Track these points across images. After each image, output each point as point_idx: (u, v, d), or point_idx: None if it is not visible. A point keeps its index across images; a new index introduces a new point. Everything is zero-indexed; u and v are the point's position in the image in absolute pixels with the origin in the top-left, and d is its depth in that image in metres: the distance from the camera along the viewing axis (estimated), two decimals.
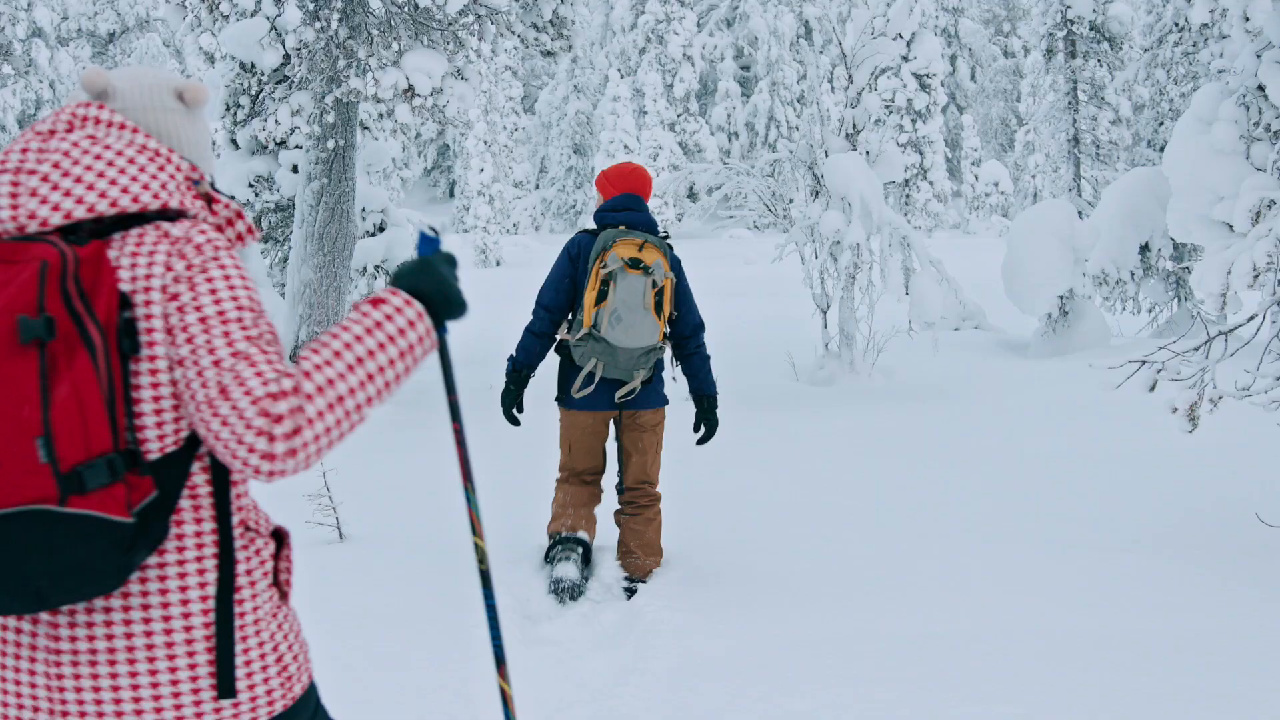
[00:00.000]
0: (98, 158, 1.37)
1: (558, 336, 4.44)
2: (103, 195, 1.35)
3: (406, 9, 7.89)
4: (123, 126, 1.43)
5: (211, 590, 1.43)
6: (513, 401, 4.42)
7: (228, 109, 11.42)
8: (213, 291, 1.37)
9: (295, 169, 11.37)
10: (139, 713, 1.39)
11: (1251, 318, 4.89)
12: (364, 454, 6.25)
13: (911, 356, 10.17)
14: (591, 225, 4.54)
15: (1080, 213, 13.77)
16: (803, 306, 11.03)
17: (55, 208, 1.34)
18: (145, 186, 1.38)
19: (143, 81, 1.49)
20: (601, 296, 4.25)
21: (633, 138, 40.75)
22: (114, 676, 1.38)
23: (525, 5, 8.81)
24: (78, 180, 1.34)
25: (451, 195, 50.69)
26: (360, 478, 5.75)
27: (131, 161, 1.38)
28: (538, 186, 48.44)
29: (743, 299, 17.81)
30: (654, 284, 4.28)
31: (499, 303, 11.23)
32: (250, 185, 12.07)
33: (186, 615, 1.41)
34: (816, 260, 9.23)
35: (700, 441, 4.61)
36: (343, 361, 1.37)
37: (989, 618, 4.03)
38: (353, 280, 12.04)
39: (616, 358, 4.26)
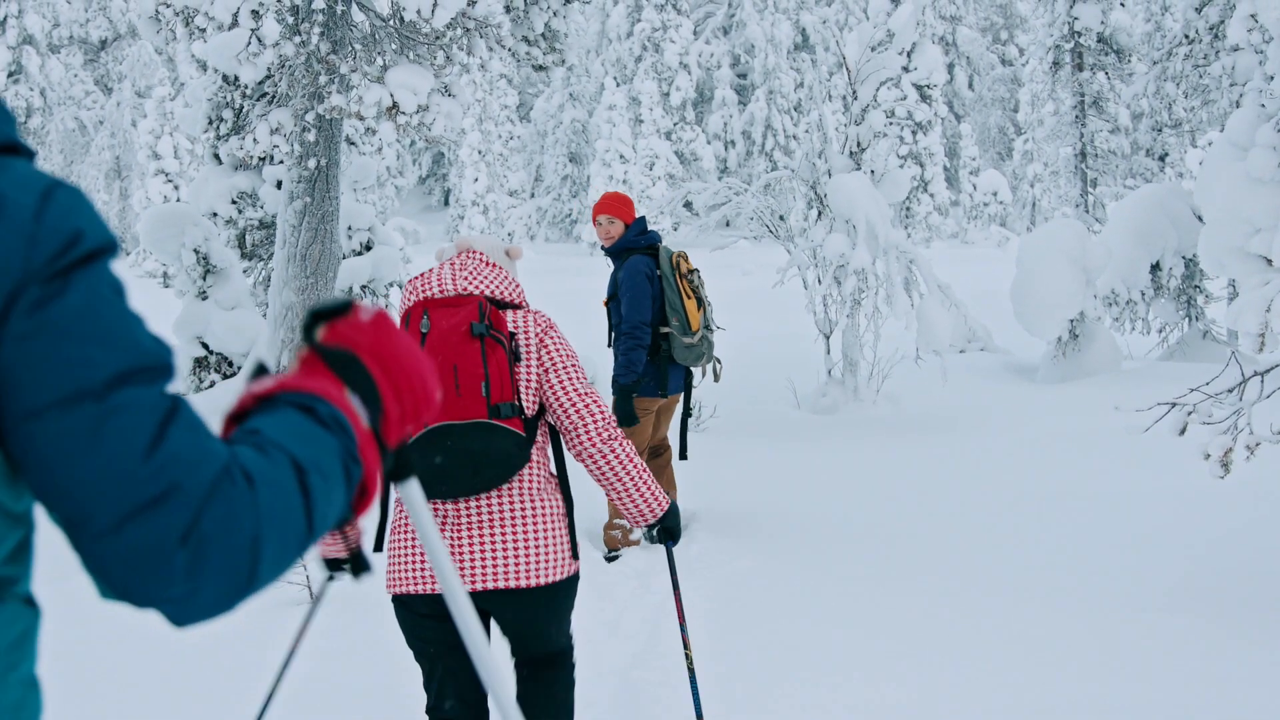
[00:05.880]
0: (491, 273, 2.62)
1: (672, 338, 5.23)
2: (497, 288, 2.58)
3: (392, 22, 7.52)
4: (495, 266, 2.66)
5: (559, 497, 2.55)
6: (631, 410, 5.17)
7: (210, 123, 11.03)
8: (559, 345, 2.60)
9: (280, 185, 10.98)
10: (526, 553, 2.44)
11: None
12: None
13: (917, 383, 9.78)
14: (595, 243, 5.21)
15: (1088, 228, 13.40)
16: (803, 323, 10.64)
17: (477, 286, 2.55)
18: (513, 291, 2.62)
19: (489, 245, 2.74)
20: (699, 302, 5.23)
21: (629, 146, 40.38)
22: (513, 530, 2.43)
23: (516, 18, 8.44)
24: (485, 279, 2.58)
25: (447, 204, 50.35)
26: None
27: (506, 278, 2.63)
28: (533, 195, 48.05)
29: (741, 315, 17.40)
30: (702, 283, 5.38)
31: None
32: (233, 202, 11.68)
33: (552, 504, 2.50)
34: (820, 285, 8.84)
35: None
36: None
37: (1024, 694, 3.69)
38: None
39: (711, 349, 5.32)
